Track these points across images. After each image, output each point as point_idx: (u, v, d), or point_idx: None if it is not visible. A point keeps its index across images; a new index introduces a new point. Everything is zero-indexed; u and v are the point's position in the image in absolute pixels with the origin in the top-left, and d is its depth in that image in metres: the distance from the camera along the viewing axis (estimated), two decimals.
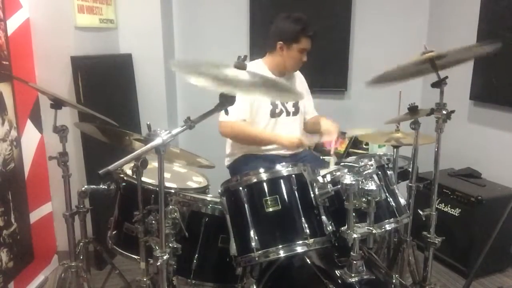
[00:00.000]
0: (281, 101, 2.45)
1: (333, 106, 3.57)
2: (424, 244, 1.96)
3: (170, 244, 1.50)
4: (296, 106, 2.53)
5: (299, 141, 2.30)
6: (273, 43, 2.41)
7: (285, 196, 1.56)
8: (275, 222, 1.55)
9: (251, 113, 2.37)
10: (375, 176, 1.53)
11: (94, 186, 1.92)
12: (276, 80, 2.11)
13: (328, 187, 1.55)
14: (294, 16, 2.37)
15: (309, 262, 1.65)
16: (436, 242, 1.91)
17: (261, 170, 1.60)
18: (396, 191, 1.72)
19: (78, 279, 1.99)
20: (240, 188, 1.58)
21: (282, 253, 1.51)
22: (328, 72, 3.54)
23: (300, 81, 2.62)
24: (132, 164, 1.42)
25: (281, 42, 2.38)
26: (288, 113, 2.49)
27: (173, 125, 3.29)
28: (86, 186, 1.91)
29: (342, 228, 1.46)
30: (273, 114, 2.43)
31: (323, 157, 2.69)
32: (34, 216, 2.58)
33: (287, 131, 2.46)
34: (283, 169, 1.60)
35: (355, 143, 3.19)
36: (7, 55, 2.29)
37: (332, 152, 2.31)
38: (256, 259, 1.52)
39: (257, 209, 1.55)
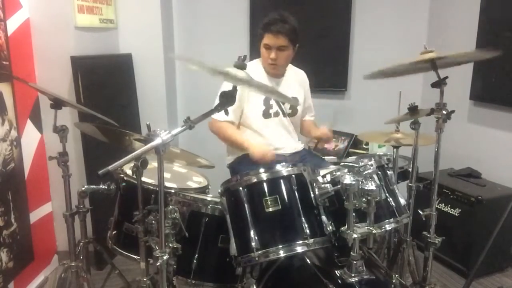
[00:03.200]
0: (276, 102, 2.42)
1: (333, 106, 3.57)
2: (424, 244, 1.96)
3: (170, 244, 1.50)
4: (293, 107, 2.49)
5: (268, 154, 2.15)
6: None
7: (285, 196, 1.56)
8: (275, 222, 1.55)
9: (243, 113, 2.37)
10: (375, 176, 1.52)
11: (94, 186, 1.92)
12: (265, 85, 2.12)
13: (328, 187, 1.55)
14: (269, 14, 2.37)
15: (309, 262, 1.66)
16: (436, 242, 1.91)
17: (261, 170, 1.60)
18: (396, 191, 1.71)
19: (78, 279, 1.99)
20: (240, 188, 1.58)
21: (282, 253, 1.51)
22: (328, 72, 3.53)
23: (294, 80, 2.53)
24: (132, 164, 1.43)
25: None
26: (284, 114, 2.47)
27: (173, 125, 3.30)
28: (86, 186, 1.91)
29: (342, 228, 1.46)
30: (267, 115, 2.40)
31: (323, 157, 2.69)
32: (34, 216, 2.58)
33: (282, 132, 2.46)
34: (283, 169, 1.60)
35: (355, 143, 3.19)
36: (7, 55, 2.29)
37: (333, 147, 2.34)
38: (256, 259, 1.51)
39: (257, 209, 1.55)
